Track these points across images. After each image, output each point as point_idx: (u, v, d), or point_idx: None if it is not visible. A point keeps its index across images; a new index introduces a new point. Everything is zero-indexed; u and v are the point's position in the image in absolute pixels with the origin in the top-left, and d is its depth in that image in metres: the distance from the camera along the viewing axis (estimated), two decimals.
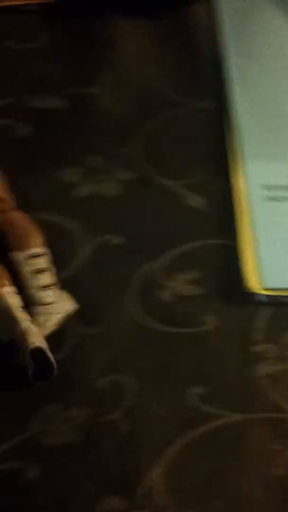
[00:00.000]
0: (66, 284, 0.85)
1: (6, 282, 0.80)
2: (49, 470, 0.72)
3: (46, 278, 0.82)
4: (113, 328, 0.84)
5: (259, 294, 0.86)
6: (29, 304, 0.81)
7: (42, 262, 0.83)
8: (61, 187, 0.97)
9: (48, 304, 0.81)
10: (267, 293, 0.85)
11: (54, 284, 0.82)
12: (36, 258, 0.83)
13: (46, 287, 0.81)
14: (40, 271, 0.82)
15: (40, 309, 0.80)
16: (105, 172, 0.98)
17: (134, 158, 1.00)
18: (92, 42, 1.13)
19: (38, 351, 0.76)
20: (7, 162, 0.97)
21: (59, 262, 0.87)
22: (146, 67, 1.11)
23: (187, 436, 0.74)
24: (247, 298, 0.86)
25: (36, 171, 0.98)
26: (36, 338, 0.76)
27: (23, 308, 0.80)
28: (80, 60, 1.11)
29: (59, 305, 0.81)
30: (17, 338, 0.77)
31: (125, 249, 0.92)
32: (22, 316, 0.78)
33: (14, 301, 0.79)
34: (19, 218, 0.86)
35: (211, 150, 1.02)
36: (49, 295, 0.81)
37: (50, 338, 0.79)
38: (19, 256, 0.82)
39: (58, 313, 0.81)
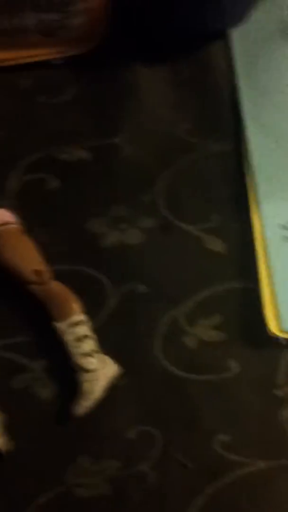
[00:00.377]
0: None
1: None
2: None
3: (88, 345, 0.85)
4: (139, 377, 0.87)
5: (280, 337, 0.88)
6: (76, 371, 0.84)
7: (83, 330, 0.86)
8: (88, 238, 1.00)
9: (92, 371, 0.83)
10: (287, 336, 0.87)
11: (96, 351, 0.85)
12: (77, 326, 0.85)
13: (88, 354, 0.84)
14: (81, 338, 0.85)
15: (85, 376, 0.83)
16: (128, 221, 1.01)
17: (155, 206, 1.03)
18: (115, 92, 1.16)
19: None
20: (38, 215, 1.01)
21: (87, 312, 0.90)
22: (165, 113, 1.13)
23: (213, 487, 0.77)
24: (268, 341, 0.88)
25: (65, 223, 1.02)
26: None
27: None
28: (103, 111, 1.14)
29: (103, 371, 0.84)
30: None
31: (149, 297, 0.95)
32: None
33: None
34: (57, 288, 0.89)
35: (230, 193, 1.04)
36: (92, 362, 0.84)
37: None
38: (61, 325, 0.86)
39: (102, 379, 0.83)
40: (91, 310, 0.90)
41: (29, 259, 0.93)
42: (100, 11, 1.15)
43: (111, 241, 1.00)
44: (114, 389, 0.85)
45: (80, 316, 0.87)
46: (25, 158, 1.07)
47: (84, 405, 0.82)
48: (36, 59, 1.18)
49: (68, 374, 0.85)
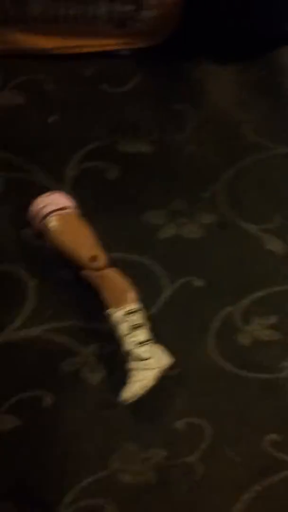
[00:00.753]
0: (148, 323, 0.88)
1: None
2: (126, 509, 0.75)
3: (142, 334, 0.84)
4: (191, 370, 0.86)
5: None
6: (127, 359, 0.83)
7: (138, 318, 0.85)
8: (145, 229, 1.00)
9: (145, 359, 0.82)
10: None
11: (149, 340, 0.84)
12: (131, 314, 0.85)
13: (142, 343, 0.83)
14: (136, 327, 0.84)
15: (138, 364, 0.82)
16: (188, 215, 1.00)
17: (215, 202, 1.02)
18: (182, 87, 1.16)
19: None
20: (95, 203, 1.00)
21: (142, 302, 0.89)
22: (231, 112, 1.13)
23: (260, 484, 0.75)
24: None
25: (122, 212, 1.01)
26: None
27: None
28: (168, 104, 1.14)
29: (155, 360, 0.83)
30: None
31: (205, 291, 0.94)
32: None
33: None
34: (113, 275, 0.88)
35: None
36: (146, 351, 0.83)
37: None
38: (116, 312, 0.85)
39: (155, 368, 0.82)
40: (145, 300, 0.89)
41: (85, 243, 0.92)
42: (173, 5, 1.15)
43: (168, 234, 0.99)
44: (165, 379, 0.84)
45: (135, 305, 0.86)
46: (86, 145, 1.07)
47: (134, 392, 0.81)
48: (103, 48, 1.18)
49: (117, 361, 0.84)
